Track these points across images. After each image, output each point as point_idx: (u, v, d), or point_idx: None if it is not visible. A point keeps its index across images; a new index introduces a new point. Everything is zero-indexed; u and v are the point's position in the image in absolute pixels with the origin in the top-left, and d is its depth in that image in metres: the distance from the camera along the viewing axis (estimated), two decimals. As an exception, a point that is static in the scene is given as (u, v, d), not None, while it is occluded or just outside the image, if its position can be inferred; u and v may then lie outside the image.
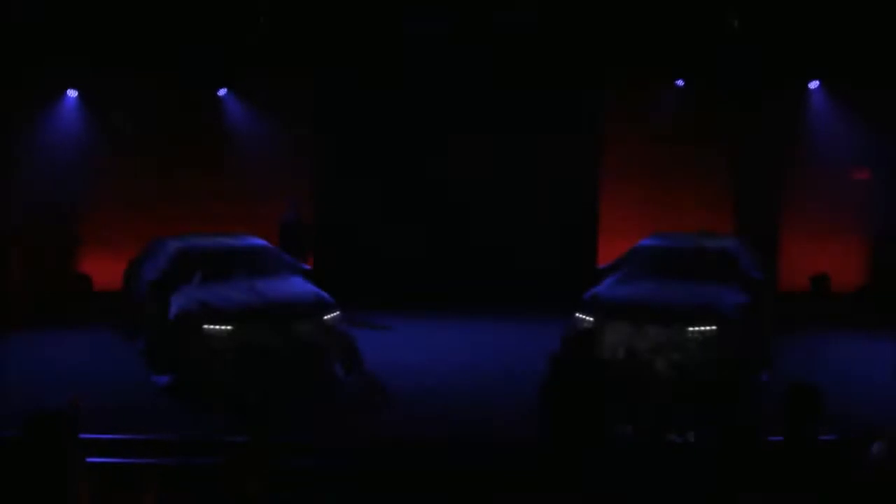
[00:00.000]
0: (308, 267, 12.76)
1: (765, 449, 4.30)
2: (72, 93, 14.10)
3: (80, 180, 14.49)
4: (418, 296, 14.30)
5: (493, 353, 12.02)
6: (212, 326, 10.24)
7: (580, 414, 6.79)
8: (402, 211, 15.36)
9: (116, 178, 14.78)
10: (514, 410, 9.17)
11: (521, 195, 15.39)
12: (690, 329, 9.93)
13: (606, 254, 13.91)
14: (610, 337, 9.64)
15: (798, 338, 12.10)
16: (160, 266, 11.73)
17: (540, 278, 14.63)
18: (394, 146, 15.25)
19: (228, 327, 10.26)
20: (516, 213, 15.48)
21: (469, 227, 15.33)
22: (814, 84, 14.58)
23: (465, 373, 11.07)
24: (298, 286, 11.50)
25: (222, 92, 14.85)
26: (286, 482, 7.23)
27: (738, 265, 11.28)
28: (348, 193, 15.45)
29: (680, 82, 14.68)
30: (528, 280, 14.68)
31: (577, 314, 10.51)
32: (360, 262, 15.27)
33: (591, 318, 10.09)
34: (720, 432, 4.19)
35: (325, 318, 10.79)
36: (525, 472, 7.57)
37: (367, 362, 11.02)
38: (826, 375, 8.52)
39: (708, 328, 9.96)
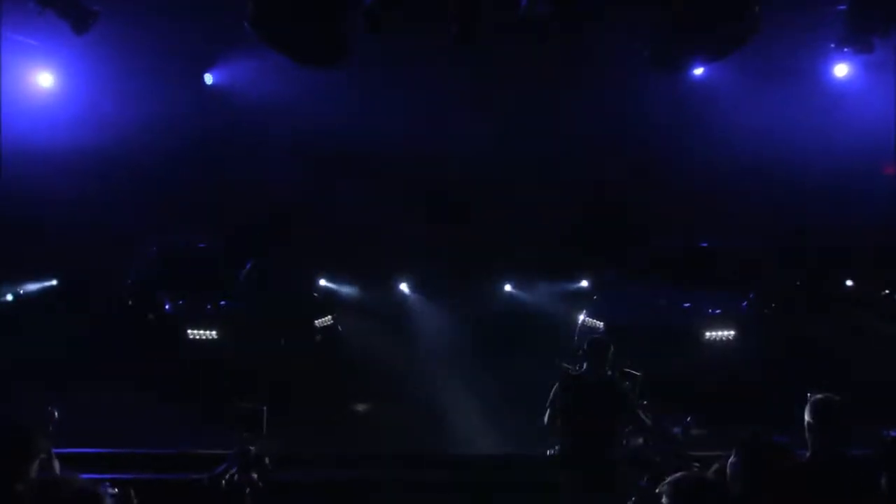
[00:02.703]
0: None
1: (794, 462, 4.27)
2: None
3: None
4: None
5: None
6: (196, 331, 10.19)
7: (590, 425, 6.76)
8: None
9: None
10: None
11: None
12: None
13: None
14: None
15: None
16: (144, 267, 11.69)
17: None
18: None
19: (212, 332, 10.20)
20: None
21: None
22: None
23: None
24: (292, 288, 11.48)
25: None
26: (279, 493, 7.22)
27: None
28: None
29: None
30: None
31: (585, 317, 10.53)
32: None
33: (602, 323, 10.11)
34: (745, 447, 4.15)
35: (317, 322, 10.76)
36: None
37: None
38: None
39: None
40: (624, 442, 7.20)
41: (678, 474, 3.74)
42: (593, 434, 6.77)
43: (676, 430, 7.32)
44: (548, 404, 6.92)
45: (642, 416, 7.01)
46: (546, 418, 6.94)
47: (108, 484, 4.18)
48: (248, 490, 6.58)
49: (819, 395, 4.65)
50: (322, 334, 10.93)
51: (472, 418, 9.63)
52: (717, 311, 10.53)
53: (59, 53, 12.11)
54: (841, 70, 12.05)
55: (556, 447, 6.97)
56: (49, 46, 11.84)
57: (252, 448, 6.92)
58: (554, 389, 6.93)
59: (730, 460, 4.18)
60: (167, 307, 10.65)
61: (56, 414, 5.71)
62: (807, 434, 4.57)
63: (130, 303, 11.69)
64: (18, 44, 11.70)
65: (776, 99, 12.99)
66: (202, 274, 11.41)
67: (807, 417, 4.59)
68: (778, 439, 4.25)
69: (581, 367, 7.11)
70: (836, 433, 4.49)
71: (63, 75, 12.62)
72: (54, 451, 5.32)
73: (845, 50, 10.30)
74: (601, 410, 6.79)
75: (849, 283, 13.88)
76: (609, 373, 7.02)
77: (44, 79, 12.40)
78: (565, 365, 7.49)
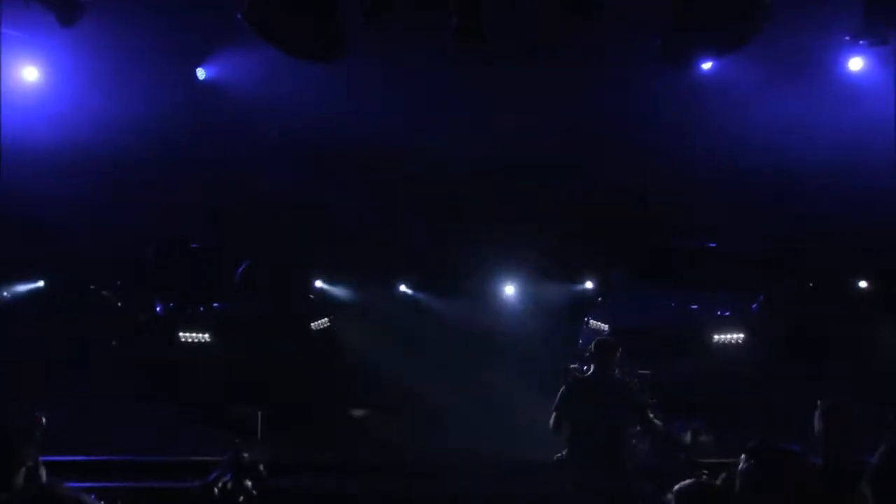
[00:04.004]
0: None
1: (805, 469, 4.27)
2: None
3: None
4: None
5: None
6: (188, 334, 10.19)
7: (598, 428, 6.76)
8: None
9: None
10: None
11: None
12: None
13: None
14: None
15: None
16: (134, 268, 11.70)
17: None
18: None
19: (205, 335, 10.20)
20: None
21: None
22: None
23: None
24: (288, 290, 11.49)
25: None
26: (274, 501, 7.23)
27: None
28: None
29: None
30: None
31: (590, 321, 10.55)
32: None
33: (607, 326, 10.13)
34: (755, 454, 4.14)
35: (313, 324, 10.76)
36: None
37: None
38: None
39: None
40: (633, 441, 7.20)
41: (686, 482, 3.74)
42: (602, 437, 6.76)
43: (684, 435, 7.34)
44: (554, 407, 6.91)
45: (652, 416, 7.01)
46: (552, 422, 6.93)
47: (93, 495, 4.19)
48: (241, 498, 6.58)
49: (830, 402, 4.65)
50: (318, 337, 10.92)
51: (475, 423, 9.63)
52: (726, 313, 10.54)
53: (45, 46, 12.05)
54: (855, 64, 12.00)
55: (565, 451, 6.95)
56: (34, 39, 11.79)
57: (246, 454, 6.93)
58: (560, 392, 6.93)
59: (739, 467, 4.18)
60: (158, 309, 10.64)
61: (44, 420, 5.70)
62: (818, 441, 4.57)
63: (120, 304, 11.68)
64: (3, 36, 11.66)
65: (787, 94, 12.95)
66: (195, 275, 11.40)
67: (817, 424, 4.59)
68: (789, 446, 4.25)
69: (589, 369, 7.11)
70: (848, 440, 4.49)
71: (49, 69, 12.56)
72: (42, 458, 5.32)
73: (860, 43, 10.24)
74: (609, 413, 6.78)
75: (863, 284, 13.86)
76: (617, 373, 7.02)
77: (29, 73, 12.31)
78: (572, 367, 7.49)
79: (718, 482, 4.28)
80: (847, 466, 4.38)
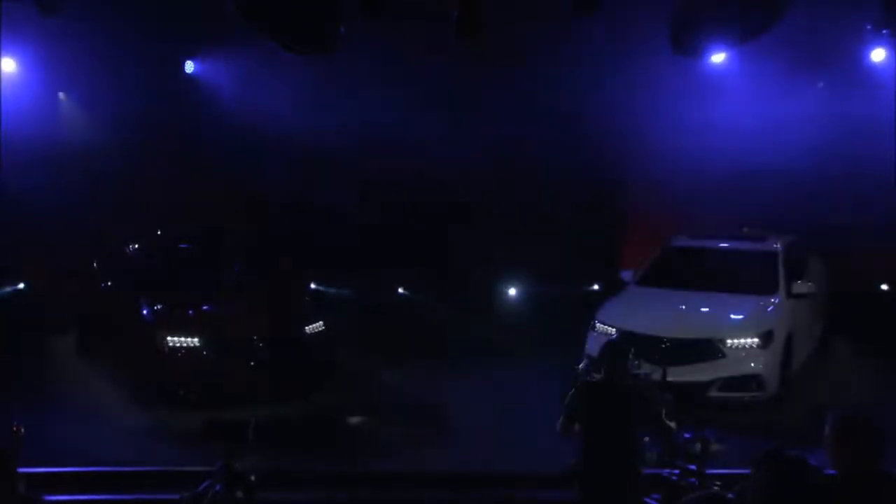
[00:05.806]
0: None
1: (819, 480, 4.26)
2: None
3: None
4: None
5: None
6: (176, 338, 10.19)
7: (608, 434, 6.75)
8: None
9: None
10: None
11: None
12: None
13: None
14: None
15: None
16: (121, 269, 11.70)
17: None
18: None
19: (194, 339, 10.20)
20: None
21: None
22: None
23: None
24: (281, 292, 11.50)
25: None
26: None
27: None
28: None
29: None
30: None
31: (597, 323, 10.56)
32: None
33: (614, 329, 10.13)
34: (765, 463, 4.14)
35: (307, 328, 10.77)
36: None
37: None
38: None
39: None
40: (646, 439, 7.20)
41: (696, 493, 3.75)
42: (613, 443, 6.75)
43: (694, 445, 7.32)
44: (562, 411, 6.91)
45: (664, 419, 7.00)
46: (560, 425, 6.93)
47: None
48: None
49: (841, 412, 4.63)
50: (313, 341, 10.92)
51: (478, 429, 9.63)
52: (740, 317, 10.54)
53: (24, 36, 12.04)
54: (878, 55, 11.96)
55: (574, 461, 6.95)
56: (11, 29, 11.78)
57: (236, 464, 6.91)
58: (570, 395, 6.92)
59: (751, 476, 4.17)
60: (145, 312, 10.63)
61: (22, 430, 5.68)
62: (828, 452, 4.55)
63: (106, 307, 11.68)
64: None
65: (804, 87, 12.95)
66: (184, 276, 11.40)
67: (828, 434, 4.57)
68: (800, 455, 4.24)
69: (600, 372, 7.11)
70: (860, 452, 4.46)
71: (27, 61, 12.55)
72: (20, 470, 5.31)
73: (882, 32, 10.22)
74: (620, 418, 6.77)
75: (883, 287, 13.85)
76: (627, 372, 7.03)
77: (6, 64, 12.29)
78: (580, 370, 7.50)
79: (731, 495, 4.28)
80: (862, 479, 4.37)
